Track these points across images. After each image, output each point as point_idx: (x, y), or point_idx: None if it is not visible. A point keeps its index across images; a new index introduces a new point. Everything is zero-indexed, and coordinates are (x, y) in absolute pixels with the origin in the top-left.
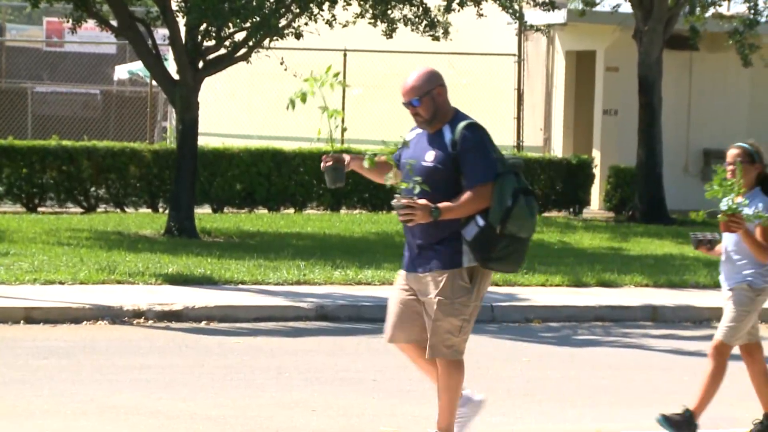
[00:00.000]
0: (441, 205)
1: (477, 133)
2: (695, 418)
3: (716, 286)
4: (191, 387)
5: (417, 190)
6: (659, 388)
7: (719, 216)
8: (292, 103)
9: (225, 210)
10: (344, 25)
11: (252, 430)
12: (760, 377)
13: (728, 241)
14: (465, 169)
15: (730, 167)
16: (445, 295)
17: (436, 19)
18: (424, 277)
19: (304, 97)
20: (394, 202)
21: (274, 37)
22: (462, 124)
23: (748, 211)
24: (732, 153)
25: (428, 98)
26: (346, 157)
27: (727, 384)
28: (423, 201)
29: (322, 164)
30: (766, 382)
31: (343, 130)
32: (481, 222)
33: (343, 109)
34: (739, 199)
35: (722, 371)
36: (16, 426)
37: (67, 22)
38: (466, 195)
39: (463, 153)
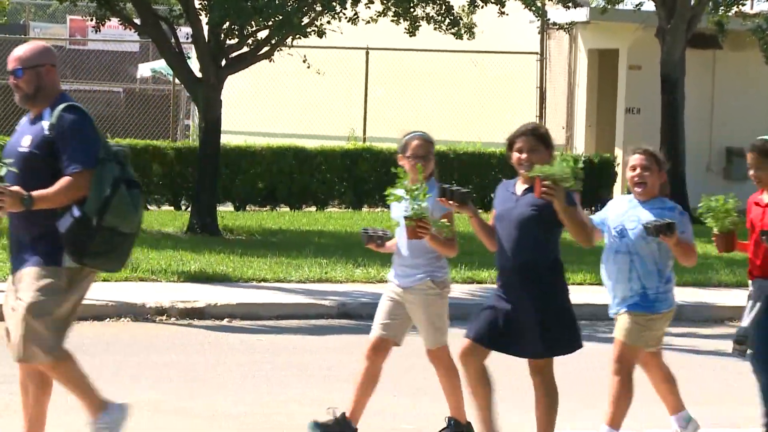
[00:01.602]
0: (34, 193)
1: (76, 115)
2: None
3: (739, 285)
4: (213, 384)
5: (3, 171)
6: (678, 386)
7: (405, 222)
8: None
9: (247, 208)
10: (368, 22)
11: (273, 428)
12: (449, 377)
13: (402, 237)
14: (62, 154)
15: (417, 160)
16: (38, 295)
17: (458, 17)
18: (22, 275)
19: None
20: None
21: (297, 36)
22: (61, 107)
23: (424, 205)
24: (417, 144)
25: (34, 72)
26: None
27: (733, 384)
28: (15, 187)
29: None
30: (454, 383)
31: None
32: (76, 212)
33: (366, 108)
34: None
35: (455, 372)
36: None
37: (91, 20)
38: (62, 182)
39: (60, 137)
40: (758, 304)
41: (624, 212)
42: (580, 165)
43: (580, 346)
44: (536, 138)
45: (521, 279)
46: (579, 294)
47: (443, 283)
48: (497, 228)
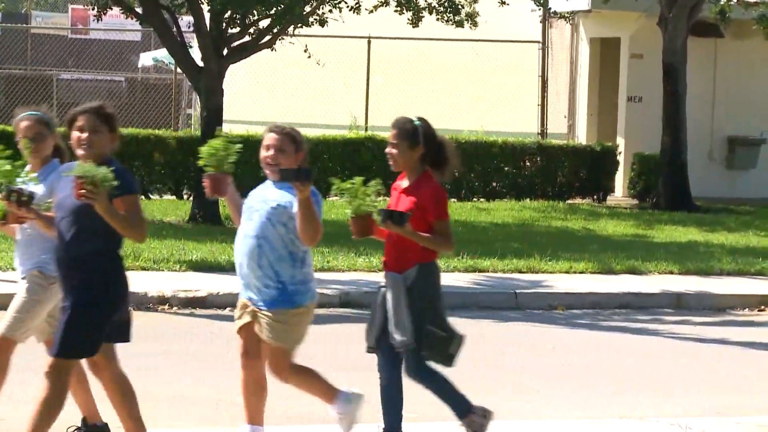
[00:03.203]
0: None
1: None
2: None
3: (741, 273)
4: (216, 373)
5: None
6: (682, 374)
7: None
8: None
9: None
10: (371, 12)
11: (277, 416)
12: (79, 378)
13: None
14: None
15: (23, 142)
16: None
17: (460, 6)
18: None
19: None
20: None
21: (299, 25)
22: None
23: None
24: (25, 125)
25: None
26: None
27: (736, 373)
28: None
29: None
30: (80, 384)
31: None
32: None
33: (367, 96)
34: (27, 182)
35: (4, 370)
36: None
37: (93, 9)
38: None
39: None
40: (391, 299)
41: (255, 194)
42: (236, 148)
43: (91, 353)
44: (99, 118)
45: (69, 273)
46: (581, 282)
47: (52, 278)
48: (56, 216)
